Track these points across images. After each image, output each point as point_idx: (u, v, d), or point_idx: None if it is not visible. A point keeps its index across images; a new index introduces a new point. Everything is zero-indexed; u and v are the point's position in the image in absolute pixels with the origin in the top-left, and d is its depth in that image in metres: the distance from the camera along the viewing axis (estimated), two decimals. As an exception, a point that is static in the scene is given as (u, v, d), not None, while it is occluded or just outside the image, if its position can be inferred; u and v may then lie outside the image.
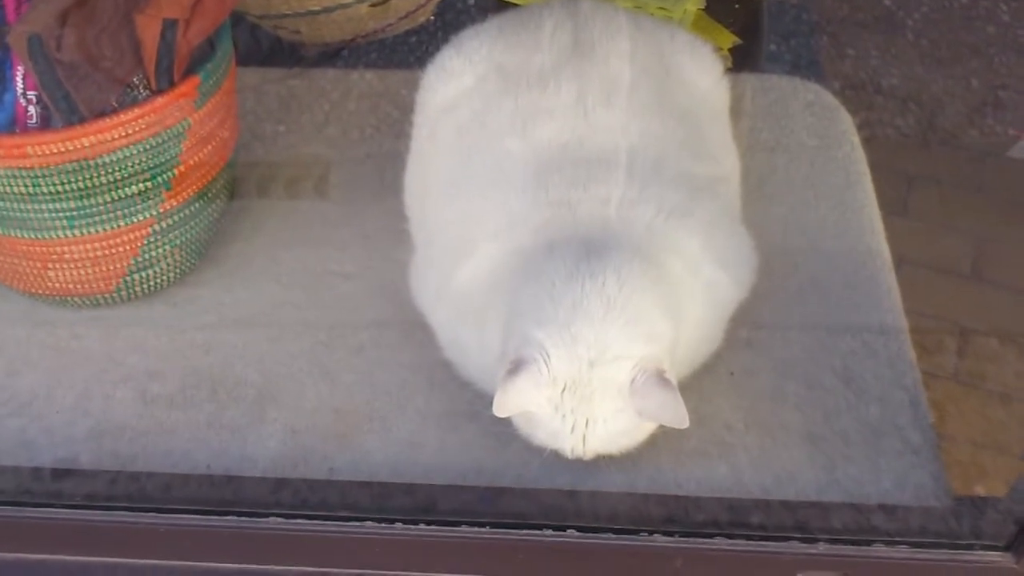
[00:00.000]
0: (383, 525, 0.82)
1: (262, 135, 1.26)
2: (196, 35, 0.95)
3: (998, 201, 1.86)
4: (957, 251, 1.79)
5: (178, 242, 1.05)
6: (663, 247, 0.89)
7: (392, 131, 1.25)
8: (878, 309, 1.07)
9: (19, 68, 0.94)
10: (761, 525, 0.82)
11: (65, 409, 0.98)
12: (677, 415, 0.81)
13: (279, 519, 0.83)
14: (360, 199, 1.19)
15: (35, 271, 1.02)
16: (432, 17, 1.48)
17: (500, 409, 0.82)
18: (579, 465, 0.87)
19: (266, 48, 1.45)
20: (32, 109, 0.95)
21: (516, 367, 0.81)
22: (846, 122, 1.27)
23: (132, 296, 1.06)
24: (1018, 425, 1.57)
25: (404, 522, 0.82)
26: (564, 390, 0.82)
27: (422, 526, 0.82)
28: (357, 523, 0.82)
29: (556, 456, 0.85)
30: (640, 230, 0.88)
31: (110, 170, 0.95)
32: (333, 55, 1.45)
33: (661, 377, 0.81)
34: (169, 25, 0.92)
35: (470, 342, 0.92)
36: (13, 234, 0.99)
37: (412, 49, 1.49)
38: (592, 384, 0.81)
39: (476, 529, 0.81)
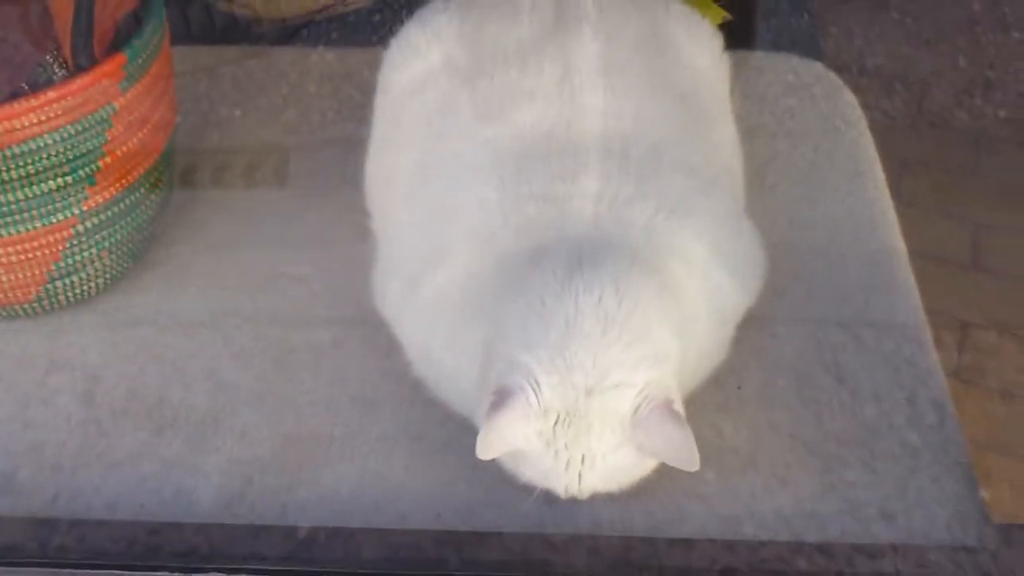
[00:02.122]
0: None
1: (214, 120, 1.18)
2: (120, 6, 0.84)
3: (995, 186, 1.81)
4: (954, 239, 1.74)
5: (106, 244, 0.95)
6: (664, 250, 0.80)
7: (354, 115, 1.16)
8: (897, 309, 0.99)
9: (-87, 45, 0.81)
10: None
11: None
12: (686, 455, 0.71)
13: (220, 575, 0.71)
14: (318, 190, 1.11)
15: (-58, 278, 0.90)
16: (392, -10, 1.39)
17: (485, 451, 0.71)
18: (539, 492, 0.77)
19: (220, 26, 1.40)
20: (-70, 92, 0.83)
21: (501, 399, 0.71)
22: (852, 104, 1.20)
23: (55, 306, 0.96)
24: (1021, 423, 1.51)
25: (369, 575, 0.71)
26: (557, 423, 0.72)
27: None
28: (311, 576, 0.71)
29: (546, 495, 0.75)
30: (638, 231, 0.79)
31: (22, 163, 0.86)
32: (292, 33, 1.40)
33: (669, 409, 0.72)
34: (86, -6, 0.80)
35: (443, 359, 0.82)
36: (-87, 236, 0.87)
37: (376, 27, 1.42)
38: (589, 415, 0.72)
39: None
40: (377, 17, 1.42)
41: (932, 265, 1.71)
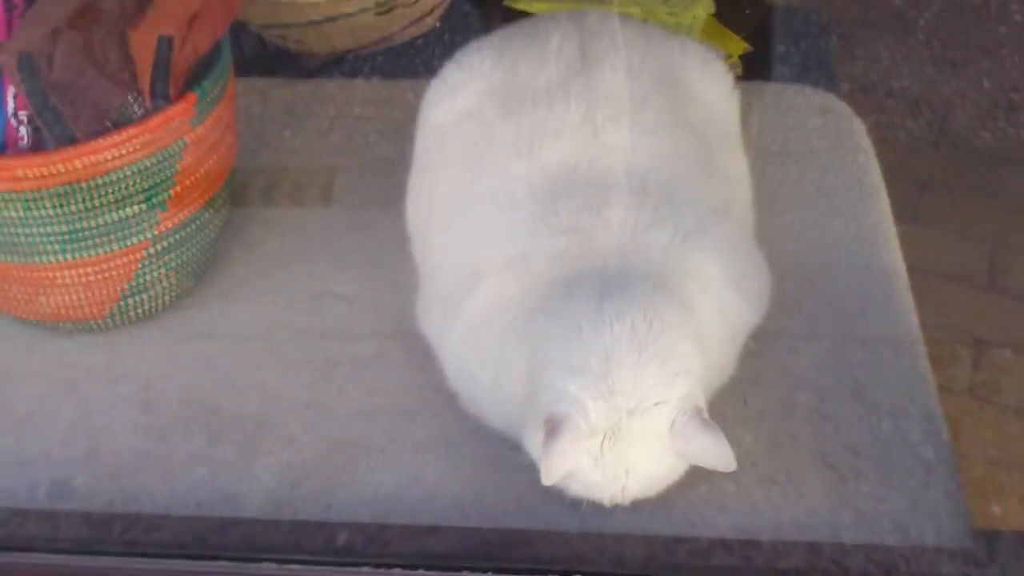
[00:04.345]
0: (381, 570, 0.78)
1: (266, 142, 1.24)
2: (193, 51, 0.93)
3: (1013, 207, 1.84)
4: (971, 259, 1.77)
5: (173, 264, 1.02)
6: (681, 272, 0.86)
7: (396, 137, 1.20)
8: (892, 325, 1.04)
9: (9, 88, 0.91)
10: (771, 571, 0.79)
11: (52, 437, 0.96)
12: (723, 457, 0.78)
13: (272, 564, 0.79)
14: (364, 207, 1.17)
15: (26, 296, 0.99)
16: (438, 24, 1.45)
17: (548, 477, 0.78)
18: (586, 504, 0.83)
19: (271, 55, 1.44)
20: (23, 130, 0.93)
21: (555, 427, 0.77)
22: (859, 131, 1.25)
23: (126, 321, 1.04)
24: (1034, 440, 1.54)
25: (403, 567, 0.78)
26: (603, 441, 0.78)
27: (421, 571, 0.78)
28: (353, 568, 0.79)
29: (591, 504, 0.82)
30: (657, 255, 0.86)
31: (104, 192, 0.93)
32: (336, 62, 1.44)
33: (702, 418, 0.79)
34: (164, 41, 0.89)
35: (481, 377, 0.89)
36: (3, 259, 0.96)
37: (418, 53, 1.46)
38: (632, 432, 0.78)
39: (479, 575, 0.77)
40: (420, 43, 1.45)
41: (950, 284, 1.75)
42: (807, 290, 1.05)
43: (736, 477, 0.88)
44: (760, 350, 0.96)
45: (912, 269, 1.12)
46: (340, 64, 1.44)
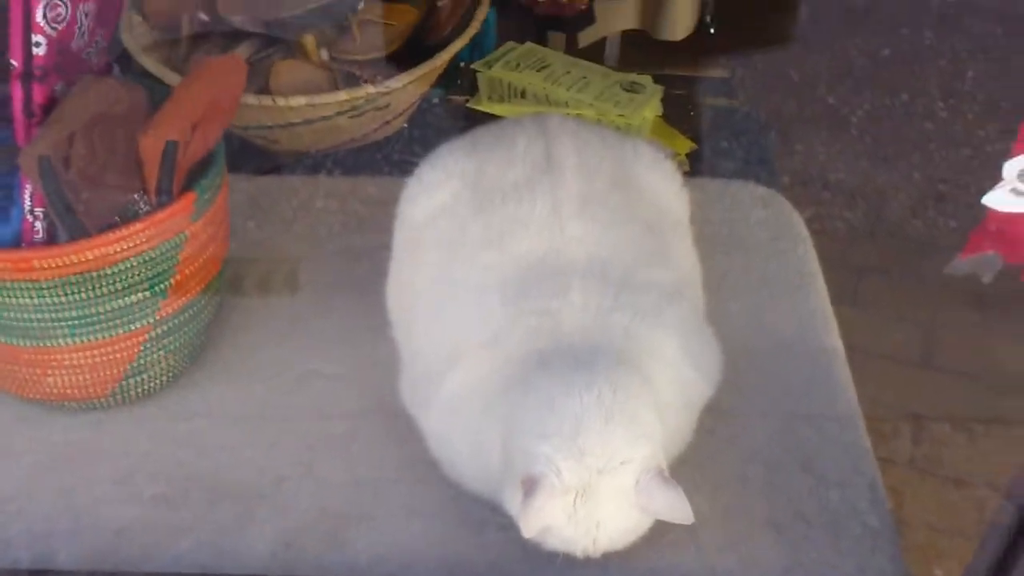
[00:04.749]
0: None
1: (241, 236, 1.30)
2: (194, 154, 1.02)
3: (944, 290, 1.96)
4: (907, 339, 1.87)
5: (172, 347, 1.09)
6: (641, 349, 0.94)
7: (359, 229, 1.32)
8: (835, 401, 1.13)
9: (27, 186, 0.99)
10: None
11: (49, 507, 1.02)
12: (682, 512, 0.87)
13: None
14: (332, 293, 1.24)
15: (34, 377, 1.06)
16: (405, 125, 1.56)
17: (528, 531, 0.86)
18: (561, 557, 0.91)
19: (236, 150, 1.50)
20: (38, 224, 1.00)
21: (531, 487, 0.85)
22: (798, 222, 1.35)
23: (126, 400, 1.10)
24: (972, 508, 1.63)
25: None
26: (576, 499, 0.86)
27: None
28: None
29: (565, 557, 0.90)
30: (619, 334, 0.94)
31: (112, 281, 1.00)
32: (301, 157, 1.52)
33: (663, 476, 0.87)
34: (171, 146, 0.98)
35: (461, 446, 0.97)
36: (15, 342, 1.03)
37: (379, 149, 1.55)
38: (601, 490, 0.86)
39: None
40: (377, 147, 1.55)
41: (887, 363, 1.86)
42: (755, 370, 1.12)
43: (695, 539, 0.96)
44: (713, 426, 1.04)
45: (852, 349, 1.20)
46: (303, 159, 1.51)
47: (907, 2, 2.19)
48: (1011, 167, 0.80)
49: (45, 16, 0.93)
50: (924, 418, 1.75)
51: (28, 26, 0.93)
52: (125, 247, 0.99)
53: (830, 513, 1.01)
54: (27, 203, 1.00)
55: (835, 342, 1.19)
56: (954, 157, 2.02)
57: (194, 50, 1.41)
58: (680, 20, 1.84)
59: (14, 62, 0.95)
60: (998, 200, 0.81)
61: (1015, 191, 0.79)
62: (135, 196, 1.01)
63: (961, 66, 2.13)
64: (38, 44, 0.94)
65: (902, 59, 2.11)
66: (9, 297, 0.99)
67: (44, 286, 0.98)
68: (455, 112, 1.64)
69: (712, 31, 1.97)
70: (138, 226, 0.99)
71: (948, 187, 2.00)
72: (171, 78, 1.32)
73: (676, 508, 0.87)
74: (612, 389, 0.89)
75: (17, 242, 1.01)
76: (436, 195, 1.09)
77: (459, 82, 1.66)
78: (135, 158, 0.99)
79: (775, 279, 1.27)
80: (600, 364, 0.91)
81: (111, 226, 0.99)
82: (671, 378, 0.97)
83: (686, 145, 1.59)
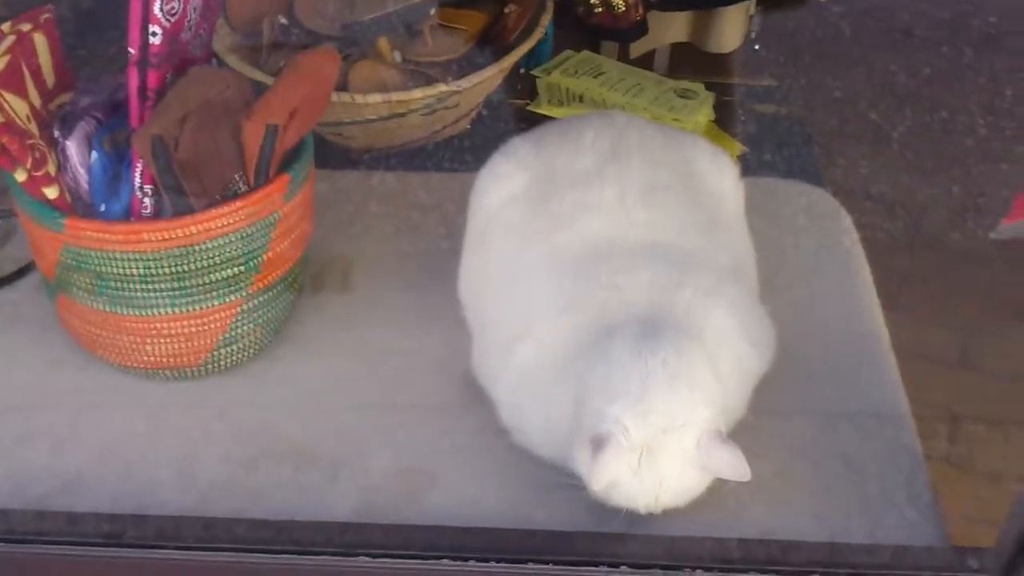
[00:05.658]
0: (458, 563, 0.93)
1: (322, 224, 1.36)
2: (291, 138, 1.10)
3: (981, 297, 2.02)
4: (946, 344, 1.94)
5: (261, 321, 1.17)
6: (702, 324, 1.01)
7: (434, 221, 1.39)
8: (879, 391, 1.18)
9: (137, 165, 1.07)
10: (781, 562, 0.94)
11: (148, 463, 1.10)
12: (741, 469, 0.93)
13: (366, 558, 0.94)
14: (413, 279, 1.31)
15: (134, 345, 1.14)
16: (469, 125, 1.64)
17: (597, 483, 0.92)
18: (623, 516, 0.97)
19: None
20: (147, 201, 1.09)
21: (599, 444, 0.91)
22: (845, 220, 1.42)
23: (216, 369, 1.18)
24: (1007, 503, 1.68)
25: (477, 560, 0.93)
26: (641, 456, 0.93)
27: (492, 564, 0.93)
28: (435, 562, 0.93)
29: (628, 513, 0.96)
30: (682, 309, 1.02)
31: (211, 254, 1.08)
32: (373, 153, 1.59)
33: (722, 438, 0.94)
34: (271, 130, 1.06)
35: (532, 412, 1.04)
36: (119, 311, 1.11)
37: (447, 146, 1.62)
38: (664, 448, 0.93)
39: (542, 566, 0.92)
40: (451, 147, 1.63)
41: (926, 365, 1.92)
42: (801, 357, 1.15)
43: (739, 514, 1.01)
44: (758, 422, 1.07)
45: (893, 351, 1.25)
46: (375, 156, 1.58)
47: (947, 21, 2.24)
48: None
49: (162, 8, 1.02)
50: (961, 417, 1.81)
51: (147, 17, 1.02)
52: (225, 223, 1.07)
53: (871, 504, 1.04)
54: (137, 180, 1.08)
55: (881, 329, 1.26)
56: (992, 172, 2.07)
57: (274, 52, 1.50)
58: (728, 34, 1.91)
59: (132, 50, 1.04)
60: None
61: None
62: (236, 176, 1.09)
63: (1000, 84, 2.16)
64: (155, 34, 1.03)
65: (942, 77, 2.15)
66: (117, 267, 1.08)
67: (150, 257, 1.07)
68: (515, 115, 1.73)
69: (757, 47, 2.04)
70: (238, 204, 1.07)
71: (986, 200, 2.05)
72: (255, 76, 1.41)
73: (735, 465, 0.93)
74: (676, 355, 0.96)
75: (126, 217, 1.10)
76: (509, 184, 1.16)
77: (518, 87, 1.74)
78: (238, 141, 1.07)
79: (824, 269, 1.33)
80: (665, 333, 0.98)
81: (213, 203, 1.07)
82: (728, 351, 1.03)
83: (736, 148, 1.66)
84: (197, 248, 1.07)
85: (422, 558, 0.94)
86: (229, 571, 0.97)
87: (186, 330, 1.13)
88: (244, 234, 1.09)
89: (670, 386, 0.94)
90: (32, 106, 1.09)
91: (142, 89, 1.05)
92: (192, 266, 1.08)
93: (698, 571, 0.92)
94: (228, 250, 1.09)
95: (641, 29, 1.79)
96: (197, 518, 1.00)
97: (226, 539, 0.97)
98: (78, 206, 1.10)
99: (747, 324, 1.07)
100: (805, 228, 1.40)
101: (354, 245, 1.37)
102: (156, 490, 1.08)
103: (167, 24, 1.03)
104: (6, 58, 1.06)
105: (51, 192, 1.08)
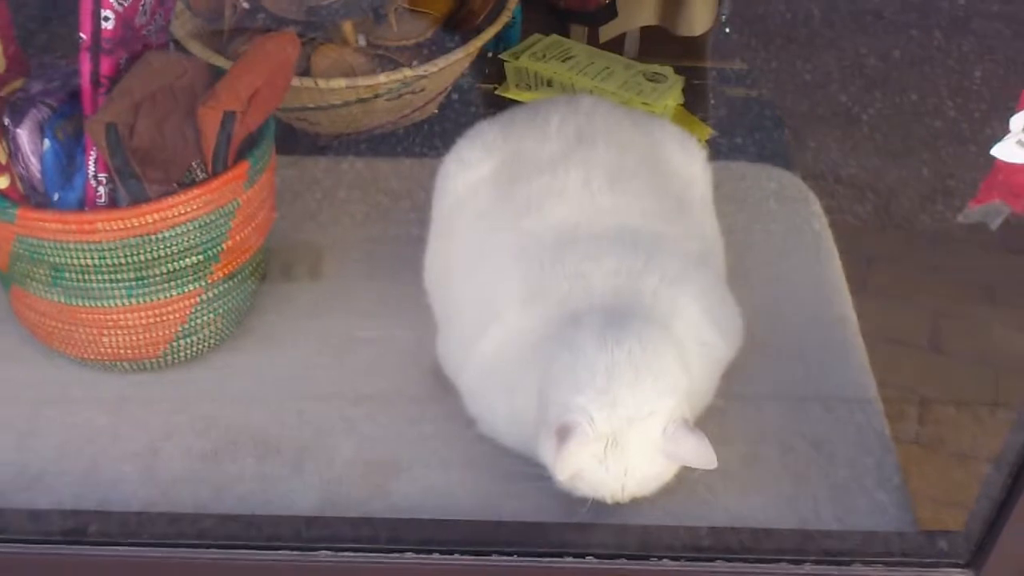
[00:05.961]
0: (421, 556, 0.92)
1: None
2: (250, 124, 1.08)
3: (951, 280, 2.02)
4: (915, 326, 1.95)
5: (221, 311, 1.15)
6: (668, 311, 1.00)
7: (396, 207, 1.38)
8: (848, 373, 1.18)
9: (91, 153, 1.05)
10: (752, 549, 0.93)
11: (108, 456, 1.08)
12: (706, 457, 0.92)
13: (328, 552, 0.92)
14: (378, 267, 1.30)
15: (91, 337, 1.12)
16: (436, 110, 1.62)
17: (561, 473, 0.92)
18: (590, 505, 0.96)
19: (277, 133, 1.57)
20: (101, 189, 1.06)
21: (565, 433, 0.91)
22: (815, 204, 1.41)
23: (176, 361, 1.16)
24: (976, 484, 1.69)
25: (441, 553, 0.92)
26: (607, 446, 0.92)
27: (456, 556, 0.92)
28: (398, 555, 0.92)
29: (594, 503, 0.96)
30: (648, 297, 1.00)
31: (168, 244, 1.06)
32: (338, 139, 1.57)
33: (688, 426, 0.93)
34: (228, 116, 1.04)
35: (497, 401, 1.02)
36: (74, 303, 1.09)
37: (415, 131, 1.62)
38: (630, 438, 0.92)
39: (506, 558, 0.91)
40: (418, 132, 1.61)
41: (895, 348, 1.92)
42: (770, 337, 1.16)
43: (709, 501, 1.01)
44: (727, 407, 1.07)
45: (861, 334, 1.24)
46: (340, 142, 1.57)
47: (917, 4, 2.23)
48: (1018, 120, 0.85)
49: (114, -8, 0.99)
50: (930, 400, 1.81)
51: (98, 1, 0.99)
52: (183, 211, 1.05)
53: (840, 488, 1.04)
54: (91, 169, 1.06)
55: (850, 312, 1.25)
56: (961, 154, 2.04)
57: (236, 37, 1.47)
58: (698, 17, 1.90)
59: (83, 35, 1.01)
60: (1005, 152, 0.87)
61: (1020, 143, 0.85)
62: (193, 164, 1.07)
63: (968, 66, 2.17)
64: (107, 18, 1.00)
65: (911, 59, 2.15)
66: (72, 258, 1.05)
67: (105, 247, 1.04)
68: (483, 99, 1.71)
69: (727, 30, 2.03)
70: (195, 191, 1.05)
71: (955, 182, 2.02)
72: (217, 62, 1.38)
73: (701, 453, 0.93)
74: (641, 345, 0.94)
75: (80, 206, 1.07)
76: (475, 169, 1.15)
77: (486, 71, 1.72)
78: (195, 128, 1.05)
79: (793, 253, 1.32)
80: (631, 322, 0.97)
81: (170, 191, 1.05)
82: (694, 338, 1.02)
83: (706, 132, 1.65)
84: (154, 237, 1.05)
85: (386, 551, 0.92)
86: (194, 567, 0.95)
87: (144, 321, 1.11)
88: (203, 222, 1.07)
89: (635, 376, 0.93)
90: (-19, 93, 1.06)
91: (95, 75, 1.03)
92: (149, 256, 1.06)
93: (665, 560, 0.91)
94: (186, 239, 1.07)
95: (610, 12, 1.78)
96: (161, 514, 0.98)
97: (191, 535, 0.95)
98: (31, 196, 1.07)
99: (714, 311, 1.06)
100: (774, 212, 1.39)
101: (321, 232, 1.35)
102: (119, 485, 1.06)
103: (120, 8, 1.01)
104: (-48, 43, 1.03)
105: (2, 181, 1.05)
